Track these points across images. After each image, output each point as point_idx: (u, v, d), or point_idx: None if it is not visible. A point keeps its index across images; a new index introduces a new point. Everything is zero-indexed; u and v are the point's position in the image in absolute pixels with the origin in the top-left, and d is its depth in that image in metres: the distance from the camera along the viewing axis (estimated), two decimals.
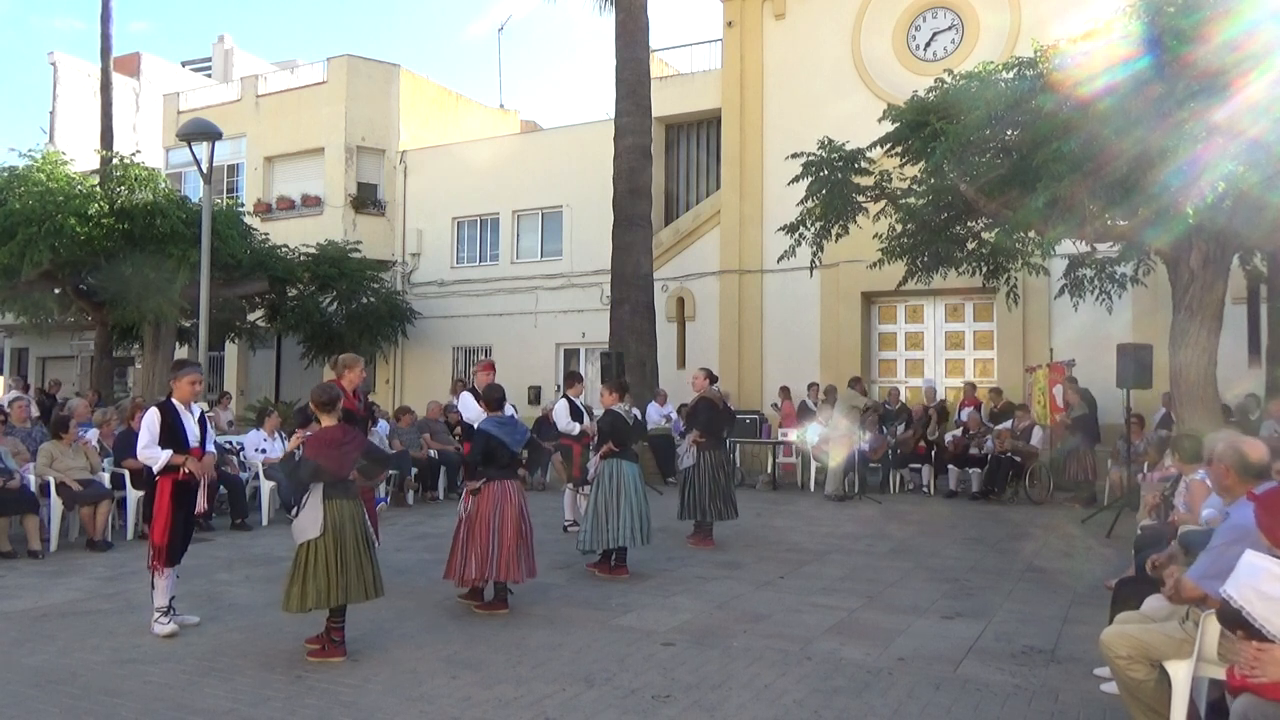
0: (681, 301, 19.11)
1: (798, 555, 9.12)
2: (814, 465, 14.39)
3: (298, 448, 5.91)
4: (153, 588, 6.09)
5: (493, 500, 6.61)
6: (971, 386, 15.52)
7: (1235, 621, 3.24)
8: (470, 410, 8.82)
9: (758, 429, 15.44)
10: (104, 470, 9.78)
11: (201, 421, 6.35)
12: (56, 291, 17.15)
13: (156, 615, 6.04)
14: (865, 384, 16.55)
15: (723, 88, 19.05)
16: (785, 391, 16.35)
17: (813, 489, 14.37)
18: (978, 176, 9.85)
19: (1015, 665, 5.49)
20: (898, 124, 10.56)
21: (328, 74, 22.72)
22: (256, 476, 11.39)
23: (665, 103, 19.16)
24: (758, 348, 18.28)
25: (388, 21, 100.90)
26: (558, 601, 7.05)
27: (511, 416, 7.11)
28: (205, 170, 12.78)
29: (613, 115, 17.02)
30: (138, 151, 17.26)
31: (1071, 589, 7.58)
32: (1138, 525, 7.83)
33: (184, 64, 36.67)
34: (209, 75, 34.66)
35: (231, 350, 23.07)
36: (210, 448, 6.41)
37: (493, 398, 7.07)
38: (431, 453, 13.57)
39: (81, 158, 18.83)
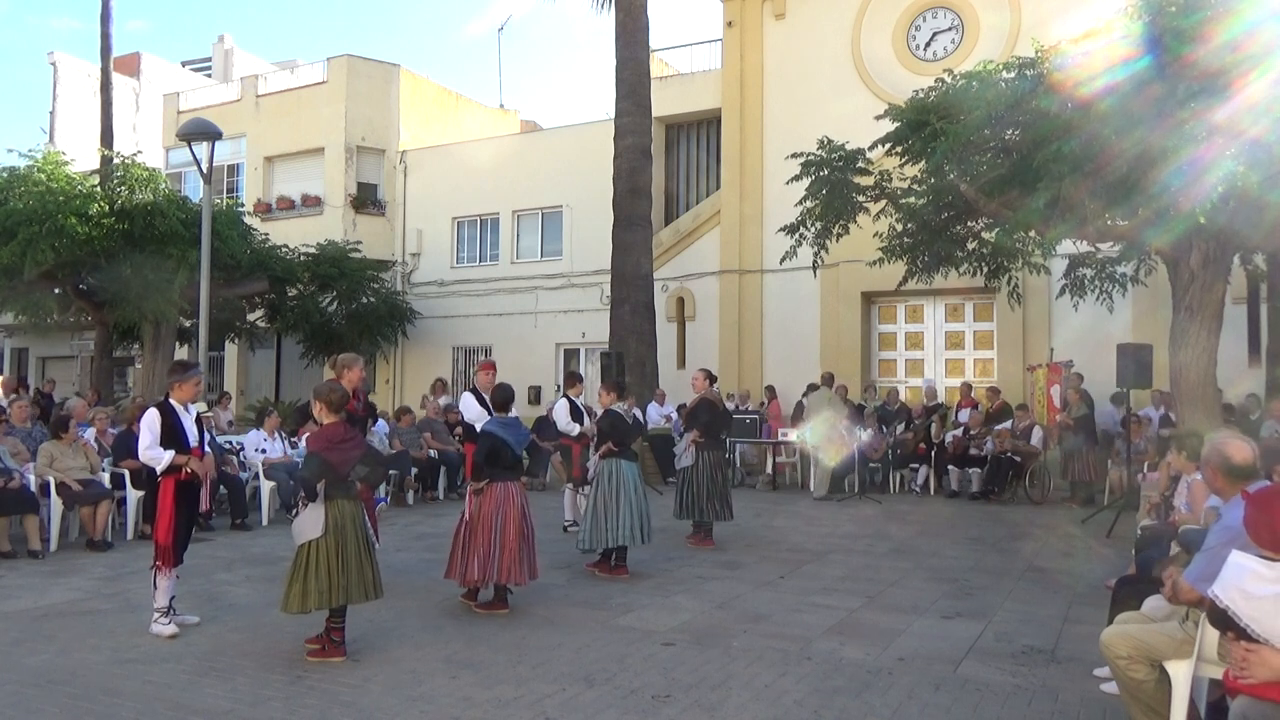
0: (681, 301, 19.12)
1: (798, 555, 9.12)
2: (814, 466, 14.41)
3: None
4: (154, 587, 6.09)
5: (494, 502, 6.61)
6: (968, 388, 15.54)
7: (1224, 622, 3.22)
8: (472, 411, 8.80)
9: (758, 429, 15.45)
10: (104, 470, 9.78)
11: (199, 421, 6.37)
12: (56, 291, 17.14)
13: (156, 616, 6.05)
14: (874, 385, 16.63)
15: (723, 88, 19.06)
16: (771, 391, 16.70)
17: (812, 489, 14.37)
18: (978, 176, 9.85)
19: (1015, 665, 5.48)
20: (898, 124, 10.55)
21: (328, 74, 22.73)
22: (256, 476, 11.38)
23: (665, 103, 19.17)
24: (758, 348, 18.29)
25: (388, 21, 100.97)
26: (558, 601, 7.04)
27: (515, 418, 7.11)
28: (205, 170, 12.78)
29: (613, 115, 17.03)
30: (139, 152, 17.26)
31: (1071, 589, 7.57)
32: (1138, 525, 7.83)
33: (184, 64, 36.67)
34: (209, 75, 34.66)
35: (231, 350, 23.08)
36: (207, 448, 6.42)
37: (500, 400, 7.07)
38: (431, 453, 13.58)
39: (81, 158, 18.81)
